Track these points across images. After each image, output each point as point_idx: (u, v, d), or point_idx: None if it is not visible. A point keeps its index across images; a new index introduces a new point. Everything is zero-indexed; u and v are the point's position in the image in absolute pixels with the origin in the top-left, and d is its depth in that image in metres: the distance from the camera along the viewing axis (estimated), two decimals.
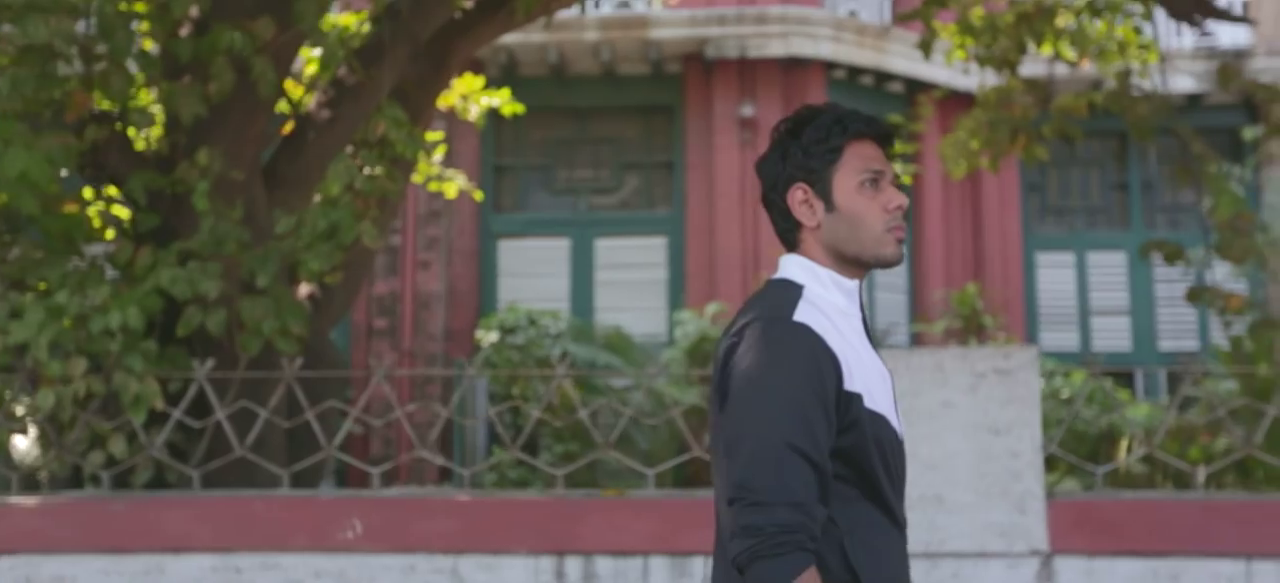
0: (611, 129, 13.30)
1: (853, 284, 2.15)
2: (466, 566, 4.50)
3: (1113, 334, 13.93)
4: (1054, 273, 14.10)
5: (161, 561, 4.41)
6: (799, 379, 1.97)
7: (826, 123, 2.15)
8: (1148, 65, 7.75)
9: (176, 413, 4.61)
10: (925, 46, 7.22)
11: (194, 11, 5.25)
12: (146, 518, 4.43)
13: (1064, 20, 7.56)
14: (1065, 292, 14.03)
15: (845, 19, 12.66)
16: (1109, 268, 14.01)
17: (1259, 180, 12.36)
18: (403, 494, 4.79)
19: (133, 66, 4.81)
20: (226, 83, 4.53)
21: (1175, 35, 14.13)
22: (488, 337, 10.85)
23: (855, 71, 13.03)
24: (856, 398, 2.02)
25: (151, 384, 4.52)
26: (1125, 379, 12.78)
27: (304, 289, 6.35)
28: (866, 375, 2.06)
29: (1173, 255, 6.24)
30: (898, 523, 2.09)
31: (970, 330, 12.20)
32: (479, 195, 10.22)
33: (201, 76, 4.65)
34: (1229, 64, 6.73)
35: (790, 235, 2.18)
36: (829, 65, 12.86)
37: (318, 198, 5.61)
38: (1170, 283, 13.76)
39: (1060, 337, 13.95)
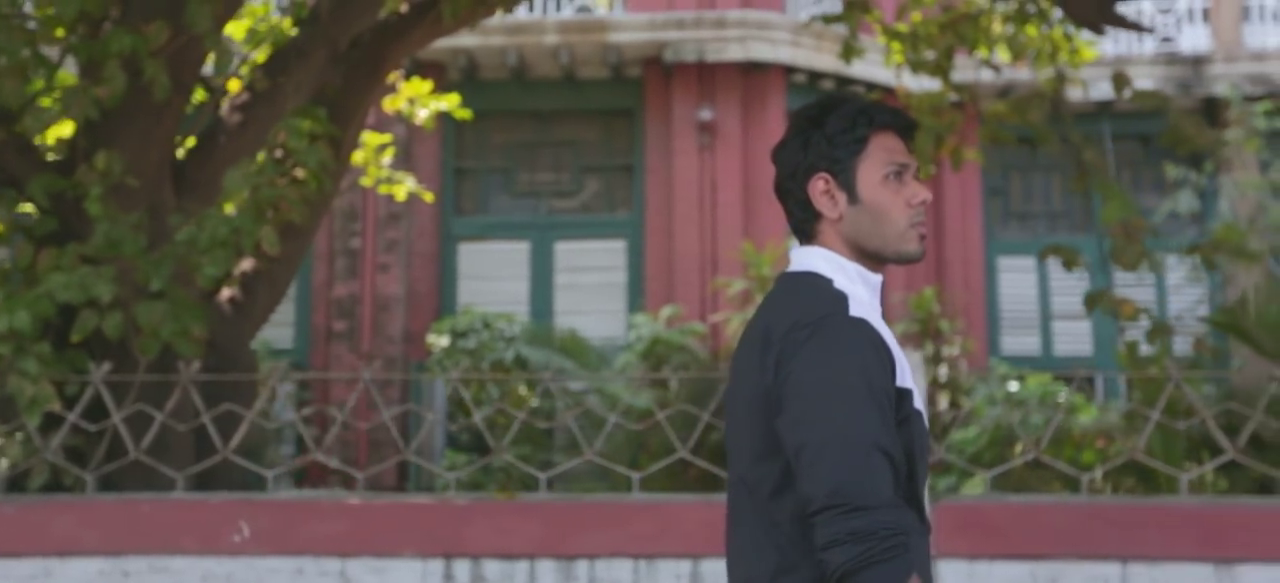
0: (572, 132, 13.34)
1: (877, 278, 2.11)
2: (355, 568, 4.54)
3: (1074, 338, 13.97)
4: (1015, 277, 14.14)
5: (49, 565, 4.44)
6: (872, 377, 1.93)
7: (852, 112, 2.11)
8: (1079, 70, 7.75)
9: (72, 416, 4.65)
10: (848, 52, 7.26)
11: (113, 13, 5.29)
12: (35, 522, 4.47)
13: (998, 26, 7.60)
14: (1026, 296, 14.07)
15: (805, 23, 12.70)
16: (1071, 272, 14.01)
17: (1214, 186, 12.39)
18: (292, 497, 4.82)
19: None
20: (118, 86, 4.57)
21: (1136, 41, 14.19)
22: (439, 341, 10.89)
23: (816, 76, 13.07)
24: (908, 394, 2.00)
25: (46, 387, 4.56)
26: (1087, 383, 12.84)
27: (226, 292, 6.38)
28: (908, 372, 2.04)
29: (1070, 261, 6.28)
30: (925, 522, 2.06)
31: (927, 334, 12.24)
32: (429, 197, 10.25)
33: (96, 79, 4.68)
34: (1121, 72, 6.76)
35: (808, 227, 2.13)
36: (789, 70, 12.90)
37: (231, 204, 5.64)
38: (1130, 288, 13.80)
39: (1021, 341, 14.00)
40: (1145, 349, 5.93)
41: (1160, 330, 5.66)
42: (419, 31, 7.30)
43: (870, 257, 2.10)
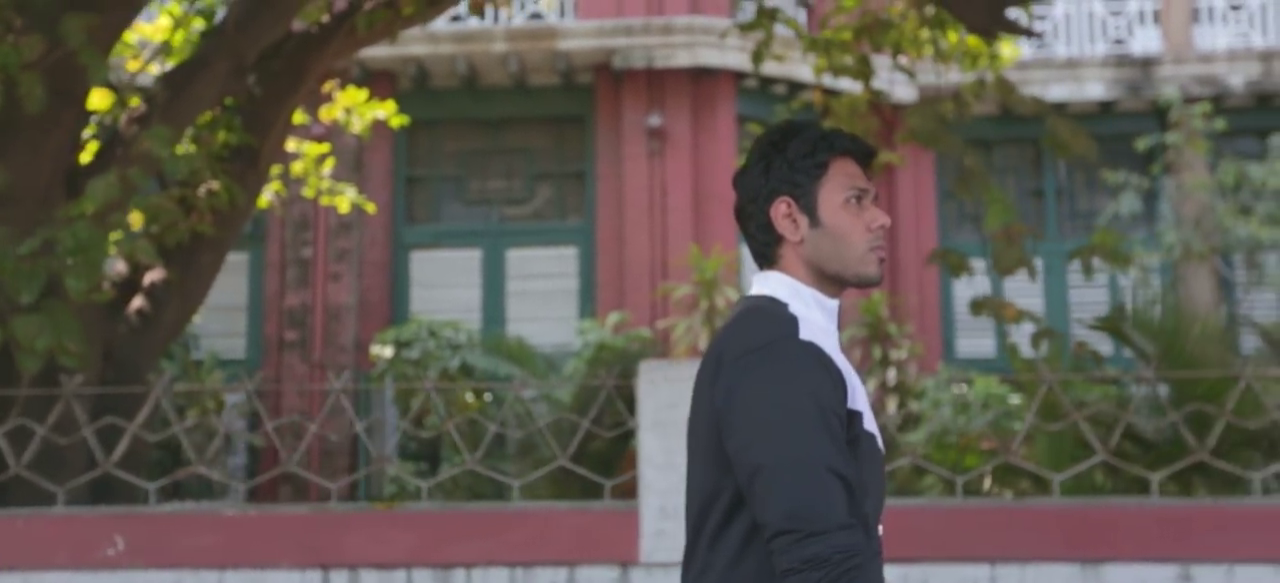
0: (524, 140, 13.37)
1: (834, 303, 2.13)
2: (232, 580, 4.56)
3: (1027, 339, 13.98)
4: (970, 278, 14.14)
5: None
6: (822, 399, 1.95)
7: (813, 138, 2.13)
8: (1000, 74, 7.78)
9: None
10: (757, 56, 7.29)
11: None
12: None
13: (915, 31, 7.63)
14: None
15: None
16: (1024, 275, 14.04)
17: (1157, 188, 12.43)
18: (168, 510, 4.84)
19: None
20: None
21: (1088, 43, 14.25)
22: (383, 351, 10.91)
23: (767, 81, 13.09)
24: (859, 416, 2.01)
25: None
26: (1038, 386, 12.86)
27: (135, 303, 6.40)
28: (861, 394, 2.04)
29: (957, 266, 6.31)
30: (875, 540, 2.05)
31: (876, 338, 12.27)
32: (372, 208, 10.27)
33: None
34: (1004, 79, 6.79)
35: (769, 250, 2.15)
36: (739, 75, 12.92)
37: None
38: (1083, 289, 13.86)
39: (977, 343, 14.03)
40: (1059, 351, 5.97)
41: (1044, 334, 5.69)
42: (339, 42, 7.33)
43: (830, 279, 2.12)
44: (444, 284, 12.99)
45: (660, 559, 4.48)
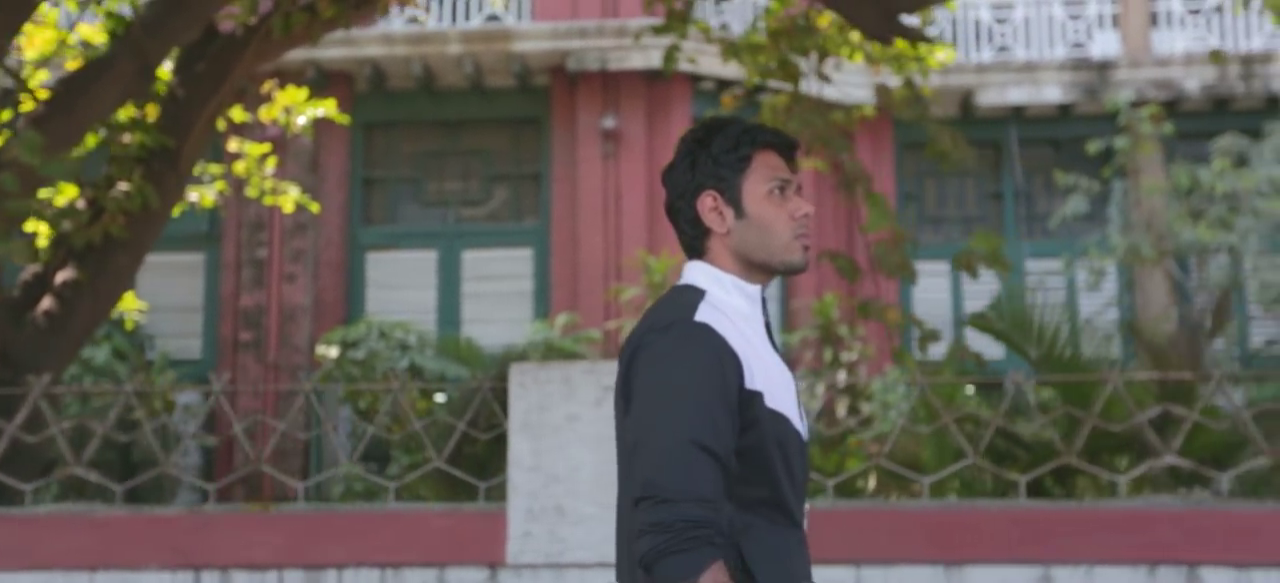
0: (480, 141, 13.41)
1: (755, 289, 2.20)
2: (103, 582, 4.59)
3: (986, 341, 13.99)
4: (929, 281, 14.14)
5: None
6: (702, 378, 2.00)
7: (736, 133, 2.21)
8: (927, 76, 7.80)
9: None
10: (669, 60, 7.32)
11: None
12: None
13: (836, 34, 7.65)
14: (940, 299, 14.11)
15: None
16: (984, 277, 14.07)
17: (1106, 191, 12.44)
18: (39, 512, 4.87)
19: None
20: None
21: (1047, 46, 14.26)
22: (329, 351, 10.93)
23: (724, 83, 13.10)
24: (757, 397, 2.05)
25: None
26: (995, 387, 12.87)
27: (43, 304, 6.43)
28: (768, 375, 2.09)
29: (848, 270, 6.34)
30: (795, 523, 2.11)
31: (827, 340, 12.28)
32: (315, 208, 10.30)
33: None
34: (883, 85, 6.82)
35: (698, 243, 2.22)
36: (695, 78, 12.94)
37: None
38: (1038, 292, 13.86)
39: (935, 345, 14.01)
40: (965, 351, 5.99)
41: (929, 336, 5.71)
42: (261, 45, 7.37)
43: (758, 268, 2.19)
44: (400, 285, 13.03)
45: (527, 560, 4.51)
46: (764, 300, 2.24)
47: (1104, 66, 13.52)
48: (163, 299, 13.12)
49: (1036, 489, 5.15)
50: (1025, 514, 4.47)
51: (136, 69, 6.17)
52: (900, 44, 7.89)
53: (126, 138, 6.61)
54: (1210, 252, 11.49)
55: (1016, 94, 13.74)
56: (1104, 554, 4.34)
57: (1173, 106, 13.70)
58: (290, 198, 9.85)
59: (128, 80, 6.16)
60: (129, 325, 10.53)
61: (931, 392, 5.12)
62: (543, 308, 12.74)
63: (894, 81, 9.04)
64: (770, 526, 2.06)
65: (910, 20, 6.45)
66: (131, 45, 6.20)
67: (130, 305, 10.43)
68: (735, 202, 2.19)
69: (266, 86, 9.39)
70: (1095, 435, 4.72)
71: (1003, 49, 14.18)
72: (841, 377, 12.09)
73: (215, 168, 9.76)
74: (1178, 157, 12.98)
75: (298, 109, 9.55)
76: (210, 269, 13.15)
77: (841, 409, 11.79)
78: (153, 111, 7.24)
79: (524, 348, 11.38)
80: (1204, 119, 13.46)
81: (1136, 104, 12.59)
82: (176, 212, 9.54)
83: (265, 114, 9.46)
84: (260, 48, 7.16)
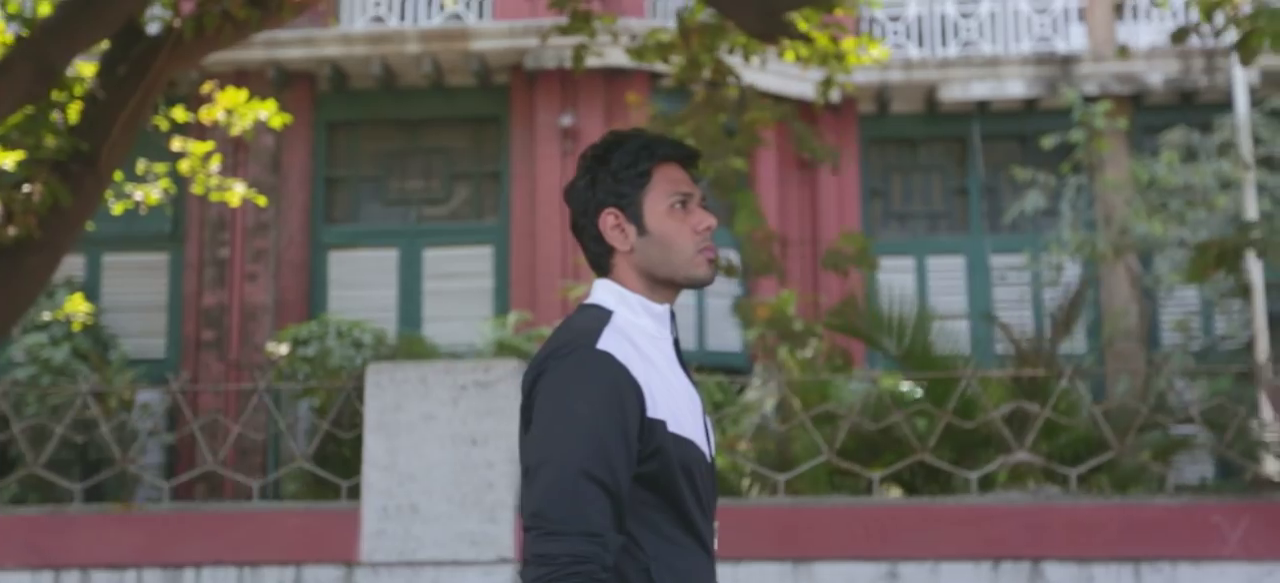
0: (442, 140, 13.47)
1: (663, 308, 2.18)
2: None
3: (950, 337, 13.96)
4: (894, 277, 14.13)
5: None
6: (599, 408, 1.98)
7: (635, 147, 2.18)
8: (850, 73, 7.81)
9: None
10: (578, 59, 7.35)
11: None
12: None
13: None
14: (905, 296, 14.05)
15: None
16: (948, 272, 14.09)
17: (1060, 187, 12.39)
18: None
19: None
20: None
21: (1013, 41, 14.22)
22: (278, 349, 11.01)
23: (714, 82, 13.10)
24: (660, 424, 2.04)
25: None
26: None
27: None
28: (672, 400, 2.08)
29: (727, 269, 6.36)
30: (705, 547, 2.11)
31: (785, 337, 12.28)
32: (262, 201, 10.36)
33: None
34: (742, 86, 6.82)
35: (603, 261, 2.19)
36: (654, 75, 12.95)
37: None
38: (1008, 287, 13.85)
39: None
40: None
41: (801, 337, 5.72)
42: (178, 49, 7.42)
43: (663, 284, 2.18)
44: (361, 284, 13.10)
45: (381, 559, 4.55)
46: (673, 317, 2.22)
47: (1068, 61, 13.48)
48: (127, 299, 13.25)
49: (913, 487, 5.17)
50: (873, 512, 4.49)
51: (35, 72, 6.23)
52: (822, 40, 7.90)
53: (47, 140, 6.67)
54: (1166, 246, 11.44)
55: (980, 89, 13.71)
56: (949, 551, 4.35)
57: (1137, 100, 13.66)
58: (236, 194, 9.90)
59: (26, 83, 6.23)
60: (76, 326, 10.63)
61: (805, 389, 5.14)
62: (503, 306, 12.79)
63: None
64: (680, 551, 2.06)
65: (830, 19, 6.43)
66: (31, 48, 6.26)
67: (78, 307, 10.52)
68: (637, 218, 2.16)
69: (207, 87, 9.45)
70: (963, 433, 4.73)
71: (968, 44, 14.15)
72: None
73: (160, 167, 9.82)
74: (1142, 151, 12.94)
75: (239, 111, 9.59)
76: (173, 269, 13.25)
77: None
78: (74, 113, 7.31)
79: (481, 346, 11.45)
80: (1168, 113, 13.40)
81: (1092, 99, 12.54)
82: (119, 210, 9.66)
83: (206, 115, 9.51)
84: (175, 51, 7.21)
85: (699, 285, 2.19)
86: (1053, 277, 12.49)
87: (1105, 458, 4.68)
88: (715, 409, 8.60)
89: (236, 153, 13.07)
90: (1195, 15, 13.52)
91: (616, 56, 12.63)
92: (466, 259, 13.12)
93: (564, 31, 7.44)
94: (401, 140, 13.48)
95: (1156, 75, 13.33)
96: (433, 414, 4.60)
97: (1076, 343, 13.51)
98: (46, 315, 11.16)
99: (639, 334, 2.12)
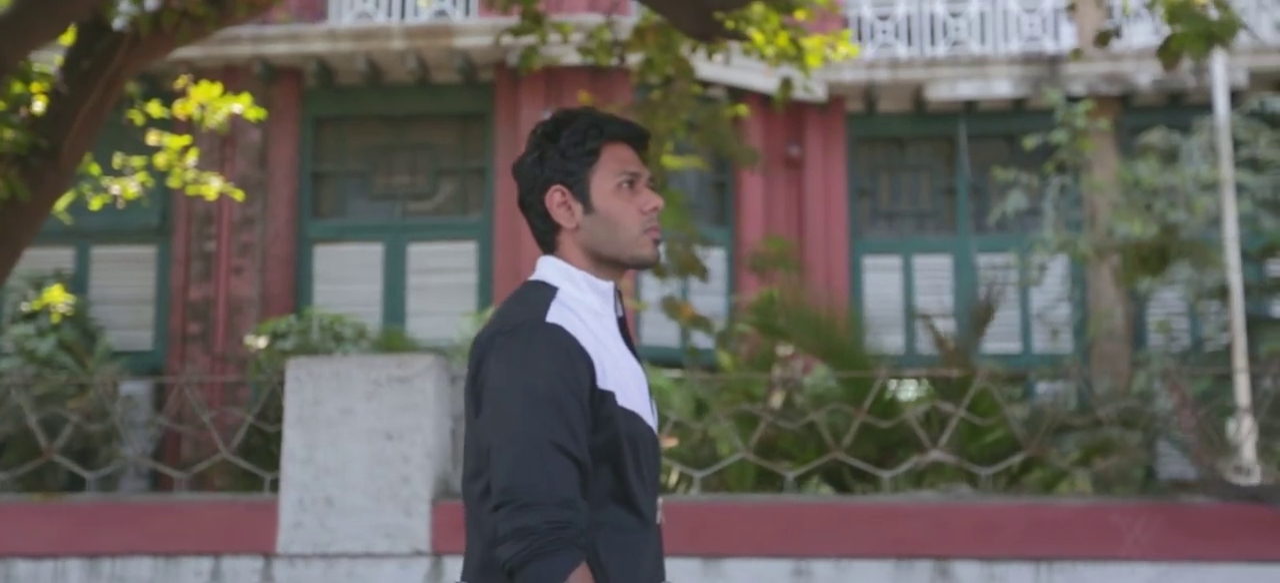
0: (427, 136, 13.54)
1: (608, 286, 2.18)
2: None
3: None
4: (881, 276, 14.16)
5: None
6: (555, 378, 1.99)
7: (584, 125, 2.19)
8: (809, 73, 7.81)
9: None
10: (526, 60, 7.38)
11: None
12: None
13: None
14: (891, 295, 14.09)
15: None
16: (935, 271, 14.09)
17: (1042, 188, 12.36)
18: None
19: None
20: None
21: (1002, 41, 14.19)
22: (257, 342, 11.10)
23: (669, 78, 13.12)
24: (609, 396, 2.05)
25: None
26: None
27: None
28: (620, 374, 2.09)
29: (657, 271, 6.36)
30: (647, 521, 2.11)
31: (762, 331, 12.28)
32: (239, 195, 10.43)
33: None
34: (676, 81, 6.83)
35: (548, 238, 2.22)
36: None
37: None
38: (995, 286, 13.79)
39: (886, 340, 13.98)
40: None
41: (727, 335, 5.74)
42: (145, 45, 7.49)
43: (607, 263, 2.18)
44: (347, 278, 13.18)
45: (298, 550, 4.61)
46: (619, 296, 2.23)
47: (1055, 60, 13.44)
48: (115, 292, 13.37)
49: (846, 486, 5.19)
50: (784, 509, 4.51)
51: None
52: (781, 40, 7.92)
53: (4, 134, 6.74)
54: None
55: (967, 88, 13.69)
56: (858, 549, 4.38)
57: (1125, 101, 13.62)
58: (212, 188, 9.97)
59: None
60: (56, 318, 10.73)
61: (730, 386, 5.16)
62: (486, 301, 12.85)
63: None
64: (623, 525, 2.07)
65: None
66: None
67: (58, 298, 10.61)
68: (583, 196, 2.17)
69: (181, 82, 9.52)
70: (885, 432, 4.75)
71: (957, 43, 14.12)
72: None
73: (138, 161, 9.90)
74: (1130, 151, 12.90)
75: (213, 104, 9.66)
76: (161, 262, 13.36)
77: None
78: (39, 107, 7.38)
79: (461, 341, 11.51)
80: (1156, 113, 13.35)
81: (1076, 99, 12.51)
82: (97, 204, 9.75)
83: (181, 110, 9.58)
84: (133, 48, 7.27)
85: (643, 266, 2.21)
86: (1036, 277, 12.48)
87: (1018, 458, 4.69)
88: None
89: (223, 148, 13.18)
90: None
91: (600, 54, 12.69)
92: (450, 254, 13.19)
93: (515, 33, 7.47)
94: (387, 136, 13.55)
95: (1144, 76, 13.28)
96: (350, 409, 4.64)
97: (1062, 343, 13.53)
98: (25, 307, 11.27)
99: (584, 310, 2.13)
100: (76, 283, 13.07)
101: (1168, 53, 5.04)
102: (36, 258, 12.90)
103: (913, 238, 14.29)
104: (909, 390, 7.68)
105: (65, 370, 11.55)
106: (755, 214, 13.52)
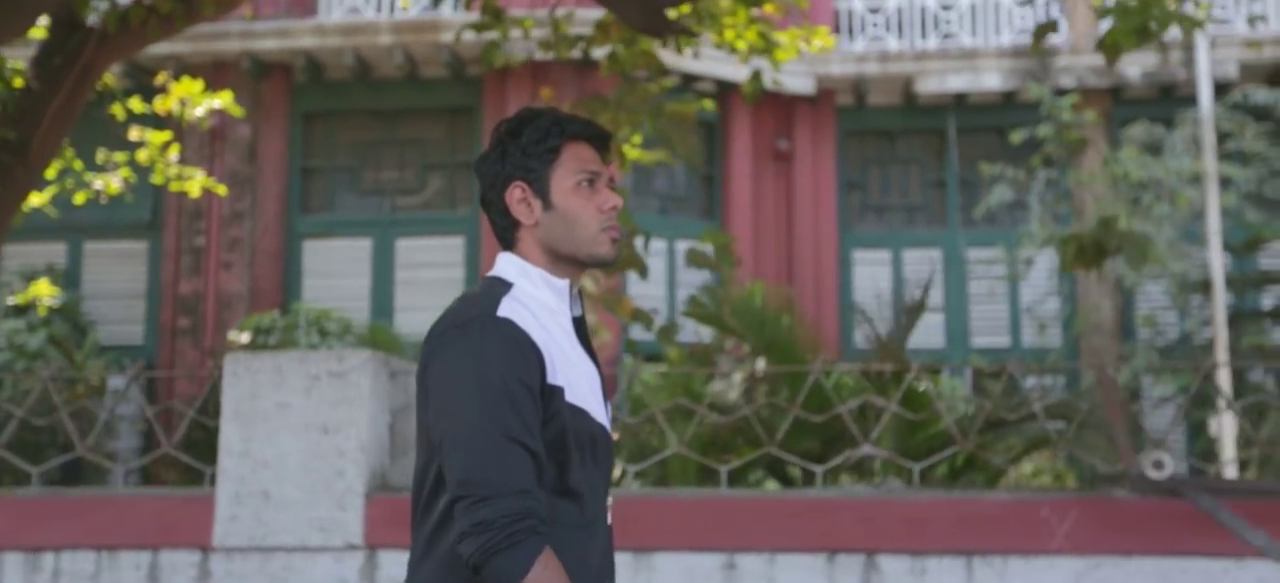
0: (416, 131, 13.57)
1: (563, 283, 2.20)
2: None
3: (927, 331, 13.94)
4: (870, 269, 14.15)
5: None
6: (506, 371, 2.01)
7: (546, 124, 2.22)
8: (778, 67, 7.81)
9: None
10: (487, 57, 7.40)
11: None
12: None
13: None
14: (881, 288, 14.07)
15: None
16: (925, 265, 14.06)
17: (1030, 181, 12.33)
18: None
19: None
20: None
21: (994, 33, 14.15)
22: (240, 337, 11.16)
23: (626, 73, 13.10)
24: (558, 391, 2.07)
25: None
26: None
27: None
28: (570, 370, 2.11)
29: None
30: (592, 518, 2.13)
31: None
32: (222, 190, 10.49)
33: None
34: (627, 78, 6.82)
35: (508, 234, 2.25)
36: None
37: None
38: (983, 281, 13.80)
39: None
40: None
41: (668, 330, 5.75)
42: (112, 41, 7.53)
43: (565, 260, 2.21)
44: (335, 273, 13.23)
45: (234, 543, 4.65)
46: (579, 295, 2.26)
47: (1045, 53, 13.38)
48: (107, 286, 13.46)
49: (790, 480, 5.20)
50: (714, 503, 4.53)
51: None
52: (751, 34, 7.91)
53: None
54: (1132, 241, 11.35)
55: (957, 82, 13.65)
56: (787, 542, 4.39)
57: (1116, 94, 13.57)
58: (196, 183, 10.03)
59: None
60: (42, 311, 10.82)
61: (670, 381, 5.18)
62: None
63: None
64: (567, 520, 2.08)
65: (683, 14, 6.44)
66: None
67: (44, 291, 10.70)
68: (543, 193, 2.20)
69: (160, 77, 9.58)
70: (822, 426, 4.75)
71: (948, 36, 14.09)
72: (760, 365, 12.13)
73: (121, 156, 9.97)
74: (1120, 144, 12.85)
75: (194, 99, 9.71)
76: (152, 256, 13.44)
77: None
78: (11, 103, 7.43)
79: None
80: (1147, 106, 13.30)
81: (1064, 92, 12.48)
82: (80, 200, 9.82)
83: (161, 105, 9.64)
84: (101, 45, 7.31)
85: (601, 264, 2.23)
86: (1023, 271, 12.47)
87: (950, 453, 4.69)
88: None
89: (213, 143, 13.26)
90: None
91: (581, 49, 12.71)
92: (439, 249, 13.23)
93: (476, 28, 7.49)
94: (376, 131, 13.60)
95: (1134, 68, 13.22)
96: (287, 403, 4.68)
97: (1051, 338, 13.51)
98: (9, 301, 11.36)
99: (538, 307, 2.15)
100: (69, 278, 13.17)
101: (1106, 46, 5.03)
102: (29, 253, 13.02)
103: (902, 231, 14.27)
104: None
105: (54, 365, 11.62)
106: (744, 208, 13.52)
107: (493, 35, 7.59)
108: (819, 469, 4.59)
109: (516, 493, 1.95)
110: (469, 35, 7.73)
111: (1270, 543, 3.89)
